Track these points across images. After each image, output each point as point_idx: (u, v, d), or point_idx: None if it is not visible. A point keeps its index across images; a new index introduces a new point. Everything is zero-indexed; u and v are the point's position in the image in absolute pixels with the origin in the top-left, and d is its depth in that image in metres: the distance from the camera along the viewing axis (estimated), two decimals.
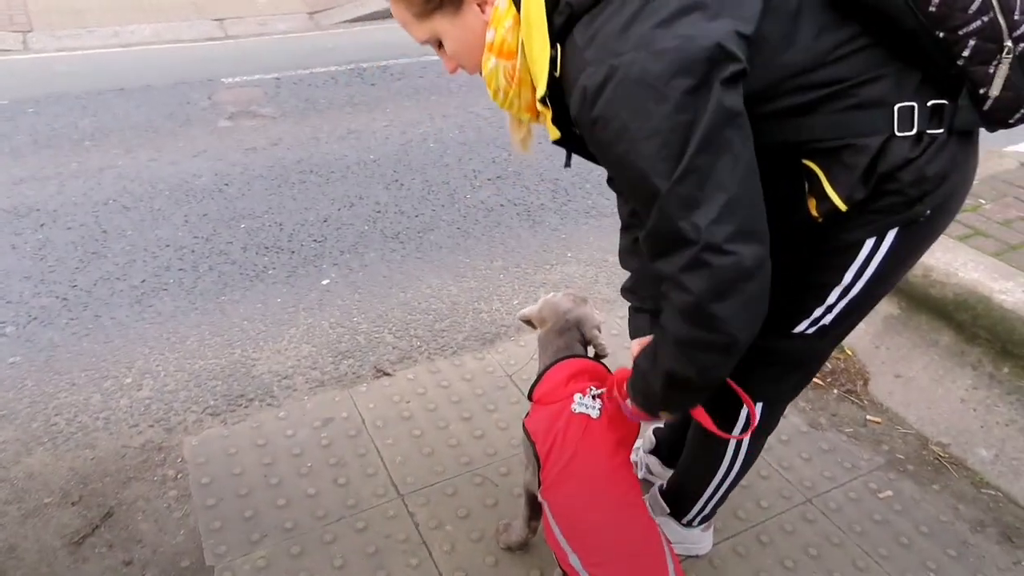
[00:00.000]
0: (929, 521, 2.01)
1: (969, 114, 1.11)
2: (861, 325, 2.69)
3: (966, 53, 1.04)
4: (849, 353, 2.56)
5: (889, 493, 2.10)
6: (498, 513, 1.98)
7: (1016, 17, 1.01)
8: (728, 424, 1.54)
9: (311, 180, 3.92)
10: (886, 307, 2.59)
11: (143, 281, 3.01)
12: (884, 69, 1.09)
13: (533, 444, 1.50)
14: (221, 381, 2.47)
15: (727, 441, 1.57)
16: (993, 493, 2.10)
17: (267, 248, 3.28)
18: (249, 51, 6.21)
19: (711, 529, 1.87)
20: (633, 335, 1.58)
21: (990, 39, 1.02)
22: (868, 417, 2.36)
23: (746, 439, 1.57)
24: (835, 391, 2.45)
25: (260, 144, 4.34)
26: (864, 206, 1.16)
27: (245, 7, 7.49)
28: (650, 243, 1.12)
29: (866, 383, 2.48)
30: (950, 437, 2.27)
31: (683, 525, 1.82)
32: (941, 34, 1.02)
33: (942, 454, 2.23)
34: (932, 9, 1.00)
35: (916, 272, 2.45)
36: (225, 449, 2.19)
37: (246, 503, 2.01)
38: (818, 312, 1.31)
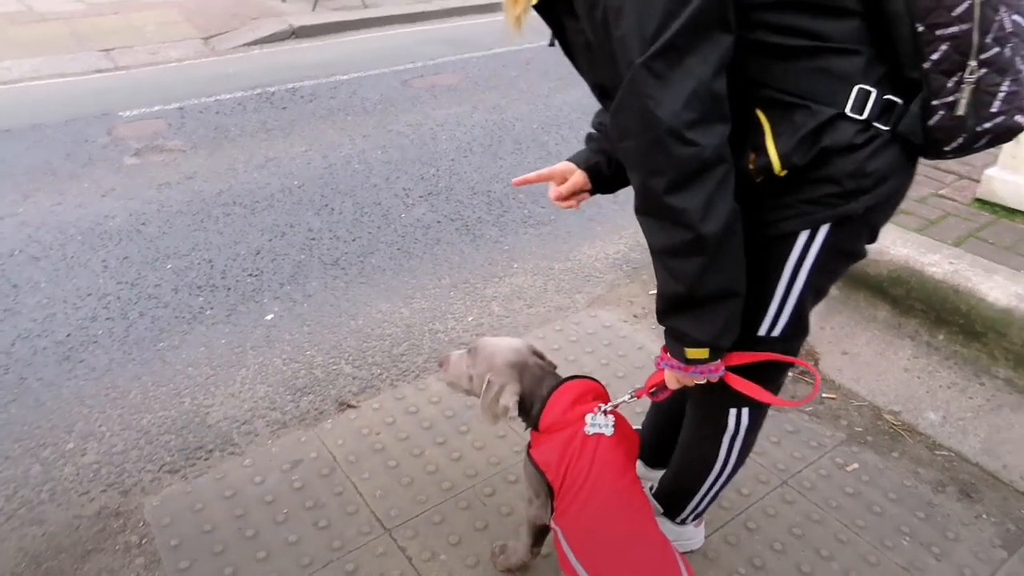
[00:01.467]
0: (895, 487, 2.12)
1: (915, 123, 1.14)
2: None
3: (934, 56, 1.08)
4: None
5: (855, 465, 2.20)
6: (489, 535, 1.95)
7: (988, 40, 1.05)
8: (718, 432, 1.58)
9: (235, 212, 3.77)
10: None
11: (68, 335, 2.80)
12: (862, 47, 1.12)
13: (543, 474, 1.48)
14: (174, 434, 2.33)
15: (721, 441, 1.60)
16: (946, 454, 2.24)
17: (200, 287, 3.12)
18: (144, 82, 5.91)
19: (703, 524, 1.91)
20: None
21: (959, 51, 1.06)
22: (824, 395, 2.47)
23: (739, 440, 1.60)
24: (790, 373, 2.55)
25: (174, 179, 4.13)
26: (799, 191, 1.19)
27: (132, 36, 7.13)
28: (616, 120, 1.13)
29: (817, 363, 2.60)
30: (900, 405, 2.40)
31: (677, 523, 1.85)
32: (920, 27, 1.06)
33: (895, 422, 2.36)
34: None
35: None
36: (190, 506, 2.06)
37: (223, 561, 1.90)
38: (772, 310, 1.34)
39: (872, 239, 1.31)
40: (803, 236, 1.24)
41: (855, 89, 1.12)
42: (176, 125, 4.91)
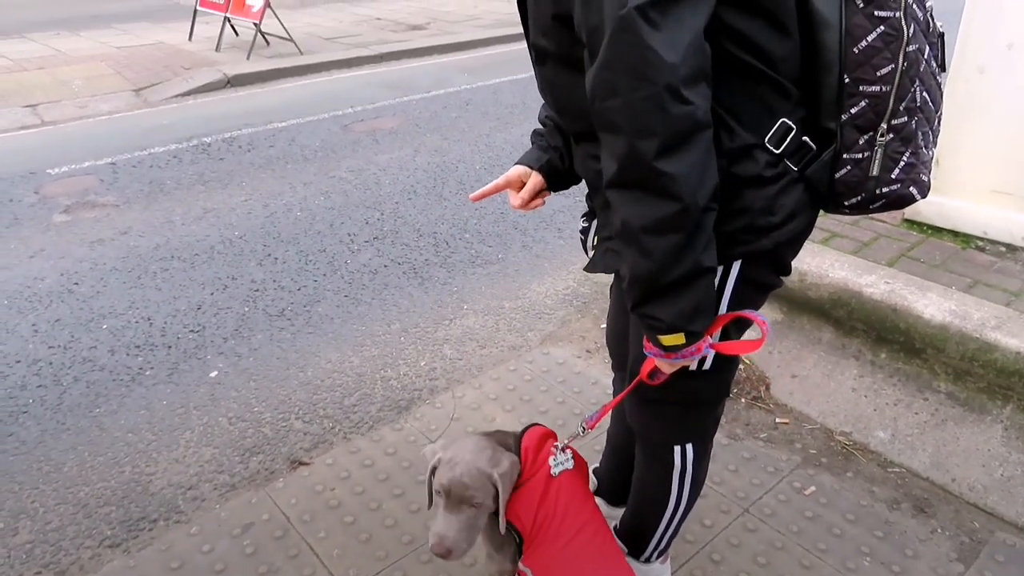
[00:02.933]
0: (852, 508, 2.15)
1: (824, 171, 1.18)
2: (752, 334, 2.87)
3: (853, 110, 1.12)
4: (748, 362, 2.72)
5: (813, 488, 2.22)
6: None
7: (901, 108, 1.11)
8: (666, 469, 1.58)
9: (174, 267, 3.65)
10: (770, 313, 2.78)
11: None
12: (792, 87, 1.15)
13: (514, 526, 1.44)
14: (115, 506, 2.20)
15: (671, 478, 1.60)
16: (898, 470, 2.28)
17: (138, 347, 3.00)
18: (73, 137, 5.74)
19: (668, 560, 1.89)
20: (607, 268, 1.39)
21: (876, 111, 1.11)
22: (777, 420, 2.50)
23: (689, 474, 1.60)
24: (743, 400, 2.58)
25: (107, 235, 3.99)
26: (715, 225, 1.18)
27: (59, 90, 6.94)
28: (602, 76, 1.03)
29: (768, 388, 2.64)
30: (850, 425, 2.45)
31: (642, 562, 1.83)
32: (847, 79, 1.11)
33: (847, 442, 2.40)
34: (856, 50, 1.08)
35: (793, 278, 2.65)
36: None
37: None
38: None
39: (784, 272, 1.34)
40: (718, 272, 1.25)
41: (779, 122, 1.15)
42: (108, 180, 4.77)
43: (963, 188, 2.80)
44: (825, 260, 2.67)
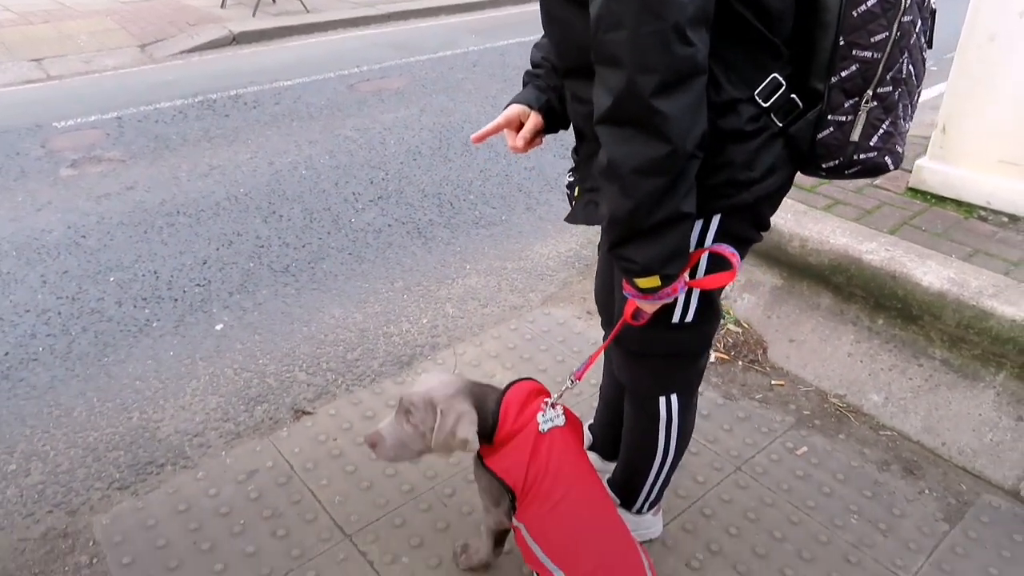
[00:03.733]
0: (843, 468, 2.20)
1: (807, 130, 1.20)
2: (752, 298, 2.90)
3: (844, 73, 1.14)
4: (746, 326, 2.75)
5: (804, 449, 2.27)
6: (451, 535, 1.95)
7: (888, 77, 1.13)
8: (653, 421, 1.62)
9: (180, 222, 3.68)
10: (771, 279, 2.80)
11: (6, 354, 2.69)
12: (783, 47, 1.17)
13: (502, 481, 1.48)
14: (123, 450, 2.26)
15: (657, 430, 1.64)
16: (890, 433, 2.33)
17: (145, 299, 3.04)
18: (79, 91, 5.73)
19: (660, 512, 1.94)
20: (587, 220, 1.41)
21: (864, 77, 1.13)
22: (773, 382, 2.54)
23: (675, 425, 1.64)
24: (740, 363, 2.62)
25: (113, 190, 4.01)
26: (697, 179, 1.19)
27: (65, 45, 6.90)
28: (609, 8, 1.02)
29: (765, 351, 2.67)
30: (845, 388, 2.49)
31: (634, 513, 1.88)
32: (842, 41, 1.12)
33: (841, 405, 2.44)
34: (855, 14, 1.10)
35: (794, 243, 2.67)
36: (142, 522, 2.01)
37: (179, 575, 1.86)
38: (681, 297, 1.39)
39: (763, 227, 1.37)
40: (698, 225, 1.28)
41: (770, 77, 1.17)
42: (114, 135, 4.78)
43: (968, 157, 2.80)
44: (827, 226, 2.67)
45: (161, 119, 5.06)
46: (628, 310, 1.39)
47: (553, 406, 1.50)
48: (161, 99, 5.44)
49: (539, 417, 1.47)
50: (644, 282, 1.23)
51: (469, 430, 1.46)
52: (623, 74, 1.03)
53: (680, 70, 1.02)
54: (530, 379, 1.60)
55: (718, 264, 1.34)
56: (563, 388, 1.55)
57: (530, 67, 1.54)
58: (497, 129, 1.54)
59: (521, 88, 1.56)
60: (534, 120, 1.50)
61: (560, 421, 1.48)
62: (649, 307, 1.33)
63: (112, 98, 5.48)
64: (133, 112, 5.17)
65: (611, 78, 1.06)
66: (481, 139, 1.56)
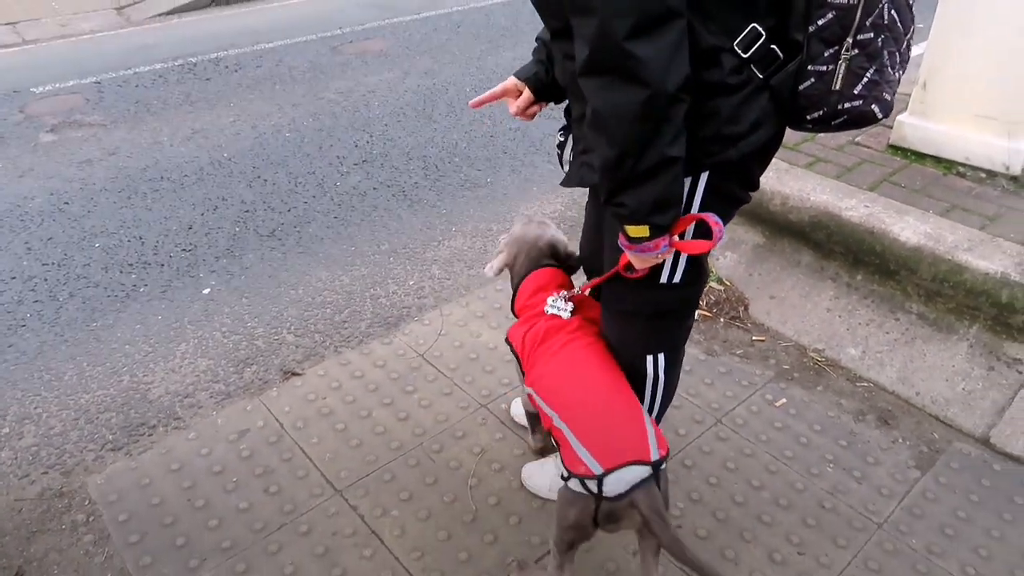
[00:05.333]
0: (820, 419, 2.26)
1: (788, 81, 1.19)
2: (734, 256, 2.93)
3: (820, 21, 1.14)
4: (728, 283, 2.79)
5: (783, 401, 2.33)
6: (439, 489, 2.01)
7: (867, 23, 1.12)
8: (640, 379, 1.64)
9: (163, 187, 3.66)
10: (752, 237, 2.84)
11: None
12: None
13: (516, 353, 1.64)
14: (115, 412, 2.29)
15: (645, 383, 1.67)
16: (866, 385, 2.39)
17: (131, 265, 3.04)
18: (56, 55, 5.62)
19: None
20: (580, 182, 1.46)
21: (842, 24, 1.12)
22: (754, 338, 2.59)
23: (661, 383, 1.68)
24: (722, 320, 2.66)
25: (95, 155, 3.97)
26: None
27: (39, 7, 6.74)
28: None
29: (746, 308, 2.72)
30: (823, 343, 2.54)
31: None
32: None
33: (819, 359, 2.50)
34: None
35: (775, 201, 2.70)
36: (137, 482, 2.05)
37: (174, 531, 1.90)
38: (670, 258, 1.40)
39: (752, 186, 1.38)
40: (686, 183, 1.29)
41: (750, 27, 1.16)
42: (94, 100, 4.71)
43: (948, 113, 2.82)
44: (808, 184, 2.71)
45: (141, 83, 4.99)
46: (622, 261, 1.42)
47: (565, 300, 1.63)
48: (140, 63, 5.35)
49: (548, 299, 1.63)
50: (634, 230, 1.25)
51: (494, 267, 1.80)
52: (596, 20, 1.04)
53: (651, 12, 1.03)
54: (554, 267, 1.75)
55: (702, 231, 1.36)
56: (575, 291, 1.68)
57: (536, 39, 1.60)
58: (494, 97, 1.63)
59: (509, 54, 1.61)
60: (527, 93, 1.59)
61: (565, 315, 1.61)
62: (638, 262, 1.35)
63: (90, 62, 5.38)
64: (112, 76, 5.09)
65: (585, 27, 1.07)
66: (479, 105, 1.64)
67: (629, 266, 1.40)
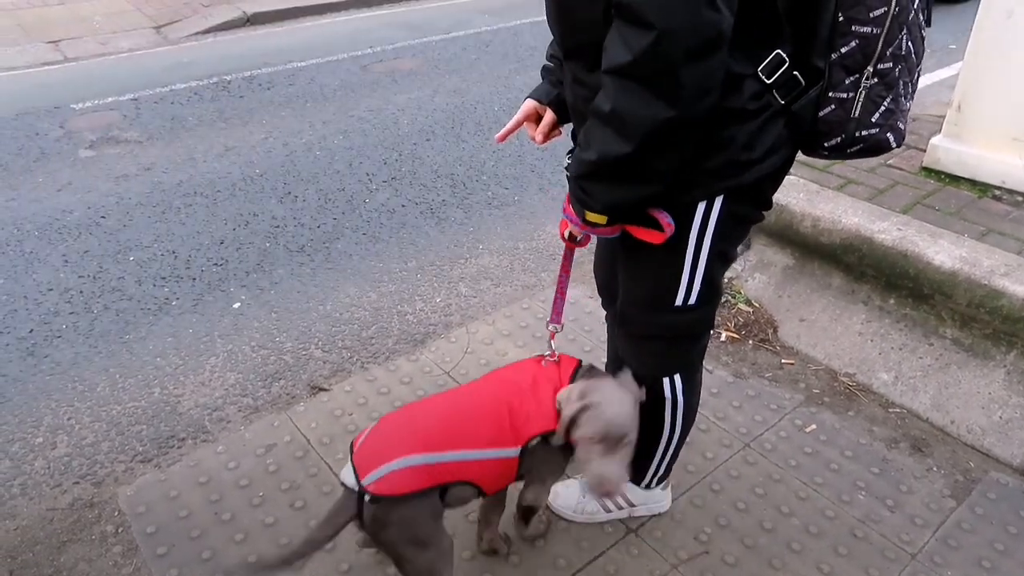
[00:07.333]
0: (851, 445, 2.22)
1: (810, 107, 1.20)
2: (763, 277, 2.91)
3: (844, 49, 1.15)
4: (757, 306, 2.76)
5: (813, 426, 2.29)
6: (463, 508, 1.99)
7: (888, 53, 1.13)
8: (658, 403, 1.64)
9: (197, 202, 3.73)
10: (782, 258, 2.81)
11: (31, 331, 2.76)
12: (789, 22, 1.18)
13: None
14: (145, 424, 2.32)
15: (663, 411, 1.67)
16: (899, 411, 2.34)
17: (164, 279, 3.10)
18: (96, 73, 5.78)
19: (669, 487, 1.98)
20: None
21: (864, 52, 1.14)
22: (783, 360, 2.55)
23: (680, 404, 1.67)
24: (750, 342, 2.64)
25: (131, 171, 4.06)
26: (697, 163, 1.23)
27: (80, 27, 6.94)
28: None
29: (775, 330, 2.69)
30: (855, 367, 2.50)
31: (643, 488, 1.92)
32: (842, 16, 1.13)
33: (850, 383, 2.46)
34: None
35: (806, 223, 2.68)
36: (165, 494, 2.07)
37: (201, 544, 1.92)
38: (685, 280, 1.41)
39: (765, 206, 1.39)
40: (701, 206, 1.30)
41: (774, 53, 1.17)
42: (131, 116, 4.82)
43: (983, 136, 2.78)
44: (839, 206, 2.68)
45: (177, 100, 5.10)
46: (561, 229, 1.47)
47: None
48: (176, 80, 5.48)
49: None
50: (594, 217, 1.28)
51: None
52: (650, 34, 1.02)
53: (706, 37, 1.02)
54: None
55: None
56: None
57: (546, 60, 1.59)
58: (517, 125, 1.62)
59: (537, 73, 1.62)
60: (548, 115, 1.56)
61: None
62: (579, 233, 1.40)
63: (128, 79, 5.52)
64: (149, 93, 5.21)
65: (634, 37, 1.04)
66: (504, 138, 1.64)
67: (571, 235, 1.44)
